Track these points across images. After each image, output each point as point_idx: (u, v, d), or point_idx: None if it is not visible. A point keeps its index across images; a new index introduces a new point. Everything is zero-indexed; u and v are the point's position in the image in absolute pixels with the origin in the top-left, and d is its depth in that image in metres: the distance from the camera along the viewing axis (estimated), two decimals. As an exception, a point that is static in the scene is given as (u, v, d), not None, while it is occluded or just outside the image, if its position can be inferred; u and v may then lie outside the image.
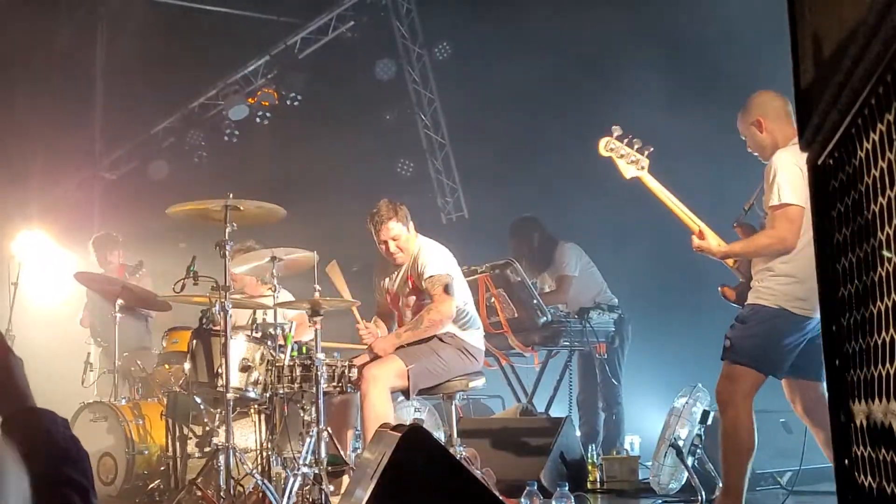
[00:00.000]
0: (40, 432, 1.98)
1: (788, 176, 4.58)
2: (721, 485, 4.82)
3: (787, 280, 4.63)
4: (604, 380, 8.00)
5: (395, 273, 6.27)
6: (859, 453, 1.87)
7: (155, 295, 7.49)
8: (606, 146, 4.84)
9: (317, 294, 5.67)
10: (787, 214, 4.56)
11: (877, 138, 1.57)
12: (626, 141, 4.84)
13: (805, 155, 4.56)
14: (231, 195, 5.48)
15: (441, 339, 6.00)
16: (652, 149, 4.83)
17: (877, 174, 1.59)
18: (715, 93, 8.49)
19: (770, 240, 4.62)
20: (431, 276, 5.98)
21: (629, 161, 4.81)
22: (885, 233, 1.56)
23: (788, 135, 4.76)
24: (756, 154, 4.95)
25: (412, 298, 6.17)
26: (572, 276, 8.15)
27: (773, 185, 4.60)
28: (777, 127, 4.82)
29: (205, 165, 12.54)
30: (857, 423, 1.86)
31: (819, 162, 1.98)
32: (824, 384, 4.68)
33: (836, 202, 1.92)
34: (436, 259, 6.07)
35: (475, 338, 6.14)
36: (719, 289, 5.06)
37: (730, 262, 4.99)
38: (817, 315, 4.62)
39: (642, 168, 4.82)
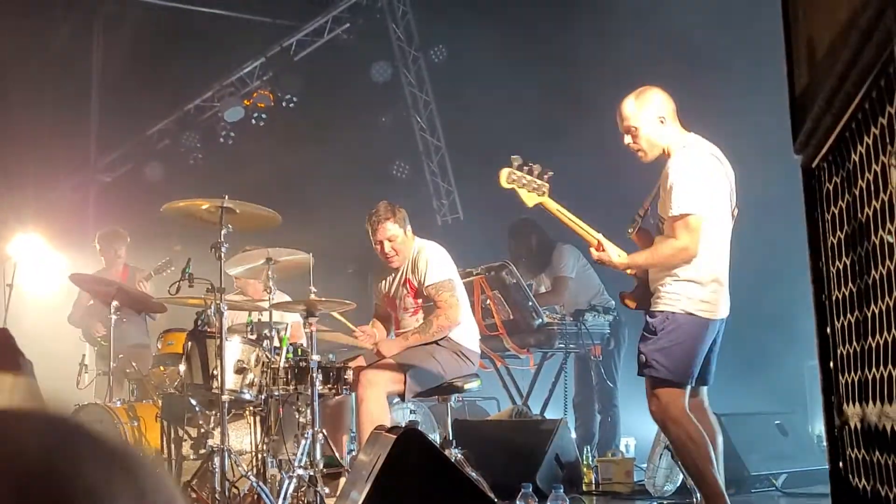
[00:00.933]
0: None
1: (687, 183, 4.53)
2: (700, 498, 4.76)
3: (691, 284, 4.58)
4: (599, 382, 8.01)
5: (393, 275, 6.27)
6: (853, 456, 1.88)
7: (150, 297, 7.48)
8: (508, 178, 4.82)
9: (312, 295, 5.67)
10: (687, 224, 4.51)
11: (870, 142, 1.58)
12: (526, 169, 4.83)
13: (705, 156, 4.59)
14: (226, 197, 5.48)
15: (437, 343, 6.00)
16: (551, 173, 4.82)
17: (870, 178, 1.60)
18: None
19: (673, 250, 4.54)
20: (435, 283, 6.00)
21: (530, 189, 4.80)
22: (878, 236, 1.57)
23: (680, 137, 4.75)
24: (638, 153, 4.83)
25: (409, 300, 6.17)
26: (569, 277, 8.15)
27: (672, 192, 4.53)
28: (673, 128, 4.76)
29: (200, 167, 12.53)
30: (852, 426, 1.87)
31: (813, 165, 1.99)
32: (706, 389, 4.71)
33: (830, 206, 1.93)
34: (438, 264, 6.07)
35: (471, 341, 6.14)
36: (620, 296, 5.01)
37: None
38: (720, 316, 4.65)
39: (543, 193, 4.80)
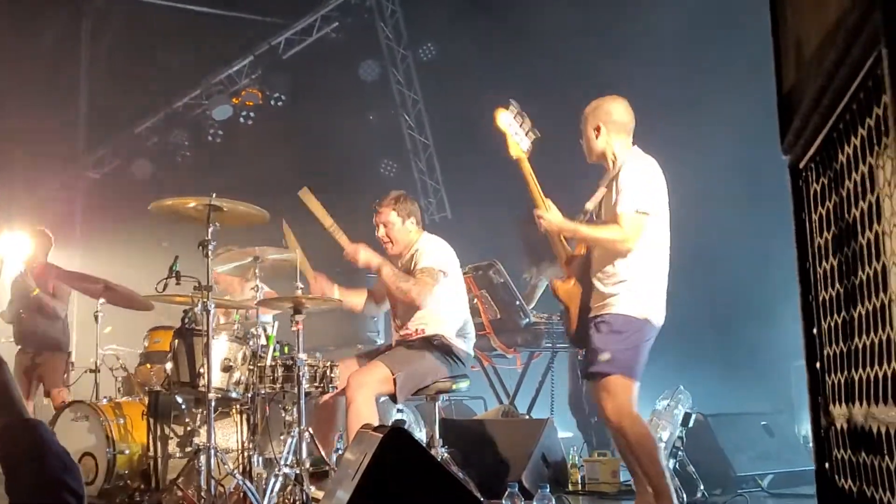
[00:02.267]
0: (39, 442, 2.02)
1: (638, 184, 4.72)
2: (651, 492, 4.80)
3: (647, 291, 4.74)
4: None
5: (397, 262, 6.25)
6: (840, 456, 1.88)
7: (136, 294, 7.44)
8: (504, 121, 4.94)
9: (298, 292, 5.65)
10: (636, 220, 4.68)
11: (857, 143, 1.58)
12: (519, 120, 4.93)
13: (653, 165, 4.70)
14: (214, 195, 5.46)
15: (429, 341, 5.98)
16: (539, 135, 4.94)
17: (858, 178, 1.60)
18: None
19: (618, 234, 4.68)
20: (423, 268, 5.96)
21: (518, 140, 4.91)
22: (866, 237, 1.57)
23: (622, 147, 4.94)
24: (585, 151, 5.11)
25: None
26: None
27: (624, 190, 4.70)
28: (612, 138, 4.96)
29: (188, 165, 12.52)
30: (838, 426, 1.87)
31: (800, 166, 1.99)
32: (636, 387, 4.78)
33: (817, 206, 1.92)
34: (433, 252, 6.05)
35: (464, 342, 6.12)
36: (551, 283, 5.13)
37: (563, 253, 5.02)
38: (660, 324, 4.80)
39: (526, 151, 4.91)
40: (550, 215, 4.85)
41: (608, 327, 4.72)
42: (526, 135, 4.92)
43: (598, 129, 4.96)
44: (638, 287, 4.72)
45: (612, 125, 4.95)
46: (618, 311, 4.71)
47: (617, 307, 4.72)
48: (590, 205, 4.95)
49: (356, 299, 6.43)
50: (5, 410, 2.00)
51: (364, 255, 5.98)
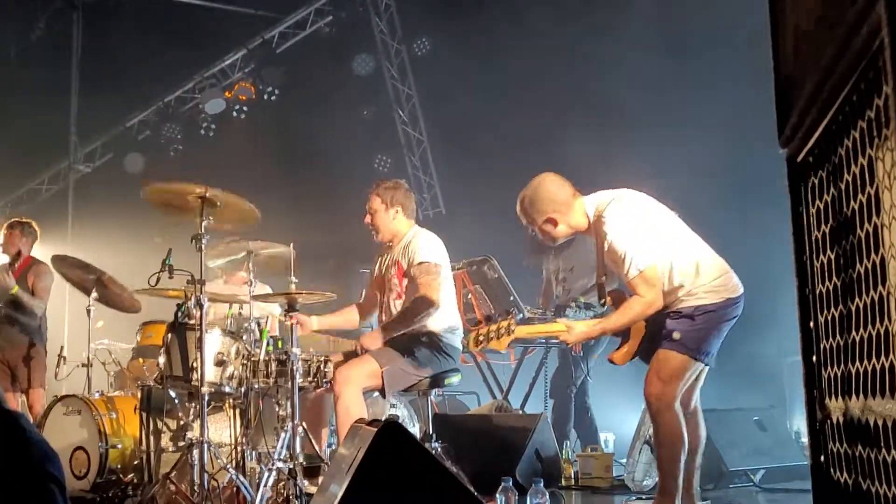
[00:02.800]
0: (20, 434, 2.02)
1: (625, 241, 4.65)
2: (658, 486, 4.80)
3: (716, 282, 4.68)
4: (582, 377, 7.99)
5: (386, 256, 6.26)
6: (835, 450, 1.88)
7: (129, 293, 7.41)
8: (475, 342, 4.90)
9: (293, 287, 5.64)
10: (645, 280, 4.63)
11: (857, 135, 1.57)
12: (485, 328, 4.89)
13: (627, 201, 4.65)
14: (206, 189, 5.45)
15: (418, 338, 5.97)
16: (512, 313, 4.93)
17: (856, 171, 1.60)
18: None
19: (643, 307, 4.64)
20: (421, 263, 5.96)
21: (499, 337, 4.86)
22: (864, 229, 1.56)
23: (582, 215, 4.87)
24: (545, 241, 5.08)
25: (395, 282, 6.13)
26: None
27: (618, 257, 4.65)
28: (570, 216, 4.89)
29: (180, 159, 12.48)
30: (834, 419, 1.87)
31: (798, 159, 1.99)
32: (705, 371, 4.78)
33: (815, 200, 1.92)
34: (429, 248, 6.05)
35: (454, 338, 6.11)
36: (609, 359, 5.05)
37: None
38: (737, 294, 4.73)
39: (511, 332, 4.86)
40: (573, 335, 4.81)
41: (678, 314, 4.69)
42: (501, 325, 4.88)
43: (552, 221, 4.89)
44: (702, 285, 4.67)
45: (560, 206, 4.87)
46: (691, 304, 4.67)
47: (689, 301, 4.67)
48: (602, 279, 4.93)
49: (350, 317, 6.44)
50: None
51: (367, 341, 5.98)
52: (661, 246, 4.67)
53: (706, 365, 4.74)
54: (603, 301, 4.92)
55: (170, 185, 5.60)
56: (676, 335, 4.65)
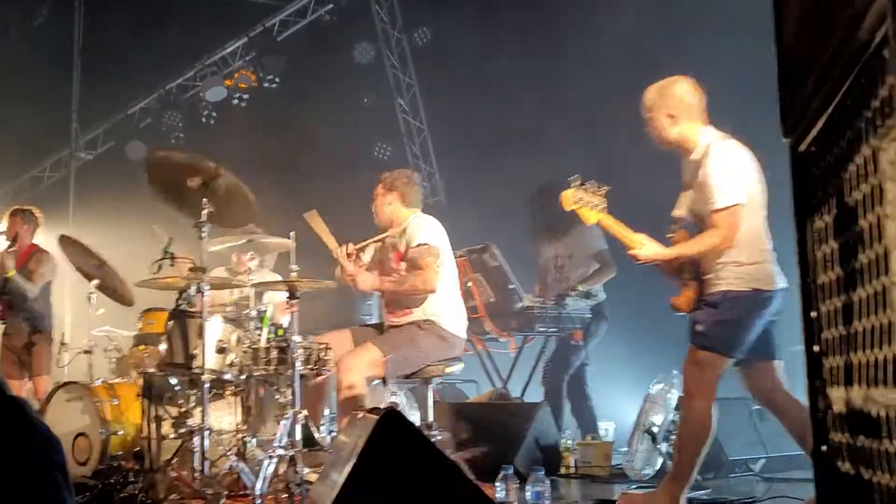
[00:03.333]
0: (23, 420, 2.03)
1: (722, 175, 4.63)
2: (669, 471, 4.82)
3: (741, 266, 4.67)
4: (580, 366, 7.99)
5: (386, 240, 6.30)
6: (837, 440, 1.88)
7: (127, 287, 7.40)
8: (573, 200, 4.84)
9: (293, 275, 5.65)
10: (731, 215, 4.61)
11: (861, 125, 1.57)
12: (584, 188, 4.84)
13: (732, 147, 4.63)
14: (217, 168, 5.46)
15: (420, 327, 6.00)
16: (608, 187, 4.86)
17: (860, 162, 1.59)
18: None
19: (718, 239, 4.62)
20: (419, 246, 5.99)
21: (591, 207, 4.82)
22: (868, 220, 1.56)
23: (698, 133, 4.82)
24: (653, 138, 4.96)
25: (394, 266, 6.17)
26: (607, 250, 8.01)
27: (712, 186, 4.62)
28: (688, 125, 4.84)
29: (181, 146, 12.47)
30: (836, 409, 1.87)
31: (801, 149, 1.98)
32: (777, 365, 4.78)
33: (818, 190, 1.92)
34: (427, 231, 6.08)
35: (456, 325, 6.13)
36: (670, 302, 5.01)
37: (669, 267, 4.97)
38: (776, 287, 4.71)
39: (602, 210, 4.83)
40: (644, 251, 4.76)
41: (706, 303, 4.73)
42: (595, 196, 4.83)
43: (672, 118, 4.83)
44: (734, 268, 4.67)
45: (685, 110, 4.82)
46: (720, 289, 4.69)
47: (719, 286, 4.69)
48: (677, 211, 4.90)
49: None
50: None
51: (363, 279, 6.04)
52: (745, 209, 4.65)
53: (732, 358, 4.74)
54: (670, 234, 4.89)
55: (177, 156, 5.59)
56: (699, 327, 4.69)
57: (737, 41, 8.15)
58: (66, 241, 7.47)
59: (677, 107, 4.82)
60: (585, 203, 4.80)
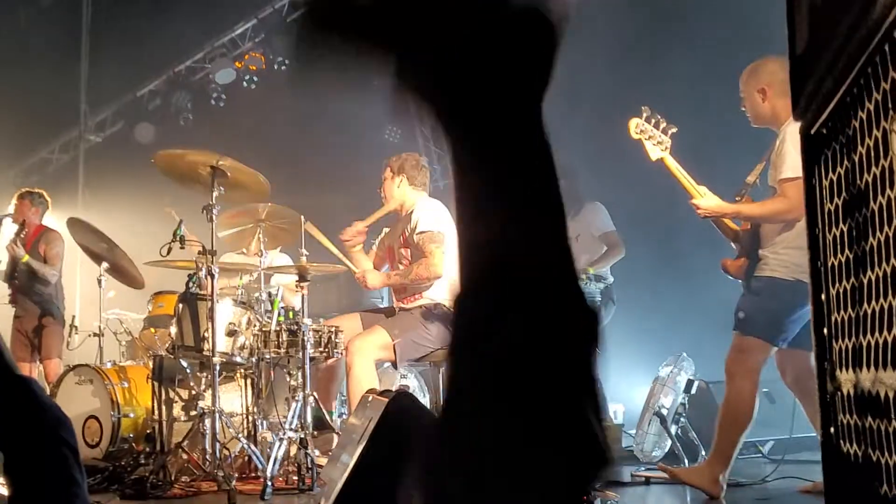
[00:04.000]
0: (32, 399, 2.04)
1: (797, 147, 4.61)
2: (711, 450, 4.84)
3: (798, 252, 4.66)
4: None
5: (394, 226, 6.32)
6: (845, 422, 1.88)
7: (136, 270, 7.42)
8: (637, 128, 4.82)
9: (304, 259, 5.66)
10: (798, 186, 4.59)
11: (872, 108, 1.57)
12: (653, 122, 4.83)
13: None
14: (218, 159, 5.46)
15: (430, 311, 6.00)
16: (675, 129, 4.84)
17: (871, 143, 1.59)
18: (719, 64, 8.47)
19: (784, 205, 4.63)
20: (423, 232, 6.00)
21: (655, 142, 4.81)
22: (877, 202, 1.56)
23: (789, 109, 4.79)
24: (749, 117, 5.00)
25: (401, 252, 6.19)
26: (615, 231, 8.02)
27: (786, 156, 4.64)
28: (779, 101, 4.85)
29: (191, 129, 12.46)
30: (845, 391, 1.87)
31: (812, 131, 1.98)
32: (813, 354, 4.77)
33: (829, 172, 1.92)
34: (430, 216, 6.08)
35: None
36: (721, 262, 5.03)
37: (730, 231, 4.98)
38: None
39: (665, 149, 4.82)
40: (706, 202, 4.76)
41: (749, 289, 4.76)
42: (662, 133, 4.82)
43: (763, 93, 4.88)
44: (789, 252, 4.68)
45: (777, 86, 4.85)
46: (767, 275, 4.72)
47: (766, 271, 4.73)
48: (751, 178, 4.90)
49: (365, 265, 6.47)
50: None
51: (371, 278, 6.08)
52: None
53: (775, 346, 4.75)
54: (738, 197, 4.89)
55: (181, 154, 5.62)
56: (741, 314, 4.71)
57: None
58: (74, 224, 7.49)
59: (769, 82, 4.86)
60: (651, 136, 4.79)
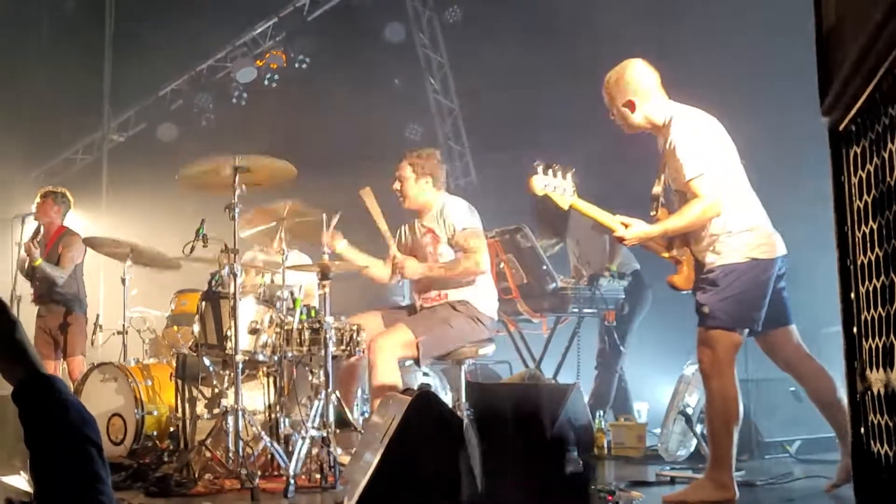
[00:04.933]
0: (57, 397, 2.06)
1: (687, 145, 4.63)
2: (709, 458, 4.80)
3: (745, 234, 4.65)
4: (612, 347, 7.96)
5: (416, 226, 6.28)
6: (875, 422, 1.86)
7: (164, 255, 7.43)
8: (541, 185, 4.77)
9: (325, 257, 5.66)
10: (705, 181, 4.58)
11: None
12: (551, 172, 4.78)
13: (698, 118, 4.60)
14: (237, 158, 5.47)
15: (454, 308, 5.99)
16: (574, 169, 4.80)
17: (901, 140, 1.57)
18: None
19: (702, 205, 4.59)
20: (465, 229, 5.99)
21: (561, 192, 4.76)
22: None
23: (661, 110, 4.81)
24: (621, 126, 4.96)
25: (430, 250, 6.15)
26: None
27: (680, 160, 4.62)
28: (649, 106, 4.82)
29: (213, 128, 12.51)
30: (874, 391, 1.85)
31: (840, 128, 1.96)
32: (793, 329, 4.73)
33: (857, 169, 1.89)
34: (466, 214, 6.08)
35: (488, 306, 6.12)
36: (668, 280, 4.98)
37: (664, 252, 4.93)
38: (777, 255, 4.70)
39: (573, 194, 4.78)
40: (630, 231, 4.71)
41: (706, 282, 4.70)
42: (565, 181, 4.78)
43: (631, 105, 4.83)
44: (729, 237, 4.65)
45: (643, 93, 4.82)
46: (718, 263, 4.67)
47: (716, 261, 4.68)
48: (657, 188, 4.87)
49: (380, 270, 6.42)
50: (21, 367, 2.04)
51: (411, 266, 6.02)
52: (721, 174, 4.64)
53: (748, 330, 4.70)
54: (653, 213, 4.87)
55: (202, 165, 5.62)
56: (705, 309, 4.66)
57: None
58: (91, 242, 7.57)
59: (635, 91, 4.82)
60: (555, 188, 4.75)
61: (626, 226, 4.73)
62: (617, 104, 4.88)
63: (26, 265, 8.11)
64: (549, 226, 8.32)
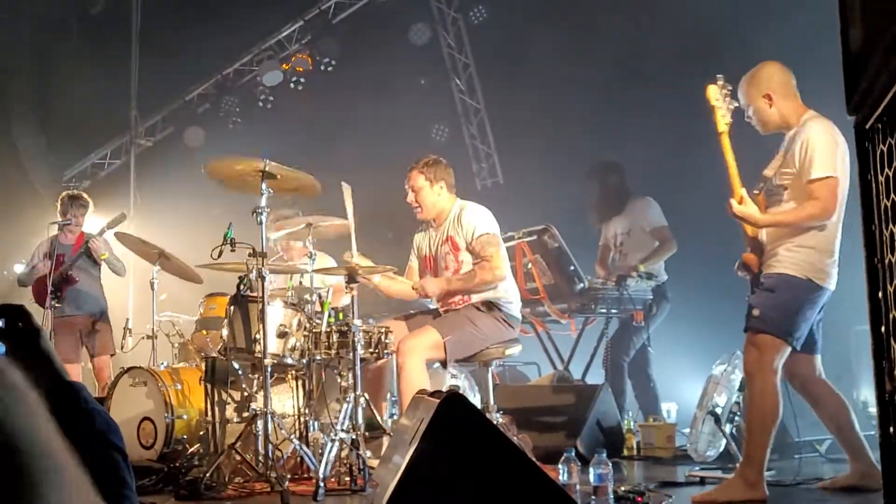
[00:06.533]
0: (82, 405, 2.07)
1: (825, 148, 4.64)
2: (742, 456, 4.80)
3: (811, 252, 4.68)
4: (642, 348, 7.93)
5: (434, 234, 6.27)
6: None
7: (188, 267, 7.48)
8: (717, 94, 4.79)
9: (353, 258, 5.68)
10: (829, 186, 4.61)
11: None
12: (723, 93, 4.81)
13: (834, 128, 4.60)
14: (267, 161, 5.49)
15: (478, 309, 5.99)
16: (736, 104, 4.82)
17: (929, 139, 1.56)
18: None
19: (816, 210, 4.61)
20: (482, 236, 5.98)
21: (723, 114, 4.79)
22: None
23: (797, 110, 4.85)
24: (757, 126, 4.96)
25: (451, 258, 6.14)
26: (667, 226, 8.00)
27: (811, 156, 4.62)
28: (785, 103, 4.85)
29: (240, 131, 12.56)
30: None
31: (866, 126, 1.94)
32: (818, 360, 4.76)
33: (884, 168, 1.88)
34: (485, 220, 6.07)
35: (513, 307, 6.11)
36: (743, 257, 4.97)
37: (749, 230, 4.93)
38: (831, 287, 4.74)
39: (728, 123, 4.80)
40: (742, 209, 4.71)
41: (769, 285, 4.73)
42: (729, 109, 4.80)
43: (769, 98, 4.86)
44: (807, 251, 4.68)
45: (780, 90, 4.85)
46: (780, 271, 4.71)
47: (779, 268, 4.72)
48: (769, 171, 4.87)
49: (404, 289, 6.39)
50: (47, 376, 2.07)
51: (430, 286, 6.03)
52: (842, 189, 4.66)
53: (790, 346, 4.70)
54: (756, 191, 4.85)
55: (230, 162, 5.65)
56: (756, 312, 4.69)
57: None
58: (122, 237, 7.60)
59: (771, 87, 4.85)
60: (721, 107, 4.77)
61: (742, 201, 4.73)
62: (754, 100, 4.90)
63: (62, 269, 8.16)
64: (605, 209, 8.30)
